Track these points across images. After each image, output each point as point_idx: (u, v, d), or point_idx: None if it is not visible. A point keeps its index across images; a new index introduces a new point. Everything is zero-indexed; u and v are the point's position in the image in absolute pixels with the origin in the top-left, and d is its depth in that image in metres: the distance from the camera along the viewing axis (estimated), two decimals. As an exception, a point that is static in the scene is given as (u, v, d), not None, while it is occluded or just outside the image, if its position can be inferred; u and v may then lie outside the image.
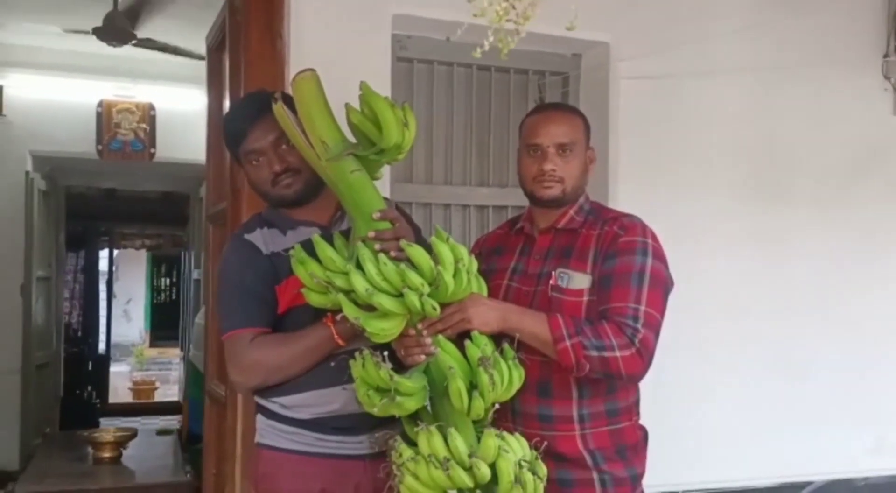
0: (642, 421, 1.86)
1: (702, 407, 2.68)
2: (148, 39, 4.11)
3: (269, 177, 1.77)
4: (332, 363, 1.70)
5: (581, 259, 1.72)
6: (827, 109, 2.87)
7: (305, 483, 1.72)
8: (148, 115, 5.27)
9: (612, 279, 1.67)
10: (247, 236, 1.81)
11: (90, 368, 7.47)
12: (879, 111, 2.92)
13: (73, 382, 6.78)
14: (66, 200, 6.12)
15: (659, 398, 2.49)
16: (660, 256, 1.72)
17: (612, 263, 1.68)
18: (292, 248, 1.68)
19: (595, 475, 1.68)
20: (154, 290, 14.00)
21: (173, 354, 11.91)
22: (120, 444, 3.76)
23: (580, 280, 1.70)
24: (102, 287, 8.38)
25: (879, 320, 2.87)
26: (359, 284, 1.54)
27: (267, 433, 1.79)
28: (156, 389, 8.89)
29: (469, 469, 1.54)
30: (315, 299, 1.64)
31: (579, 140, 1.79)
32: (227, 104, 2.73)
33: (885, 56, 2.89)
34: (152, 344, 13.03)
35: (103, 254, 8.85)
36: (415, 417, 1.63)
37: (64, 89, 5.09)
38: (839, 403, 2.82)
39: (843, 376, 2.83)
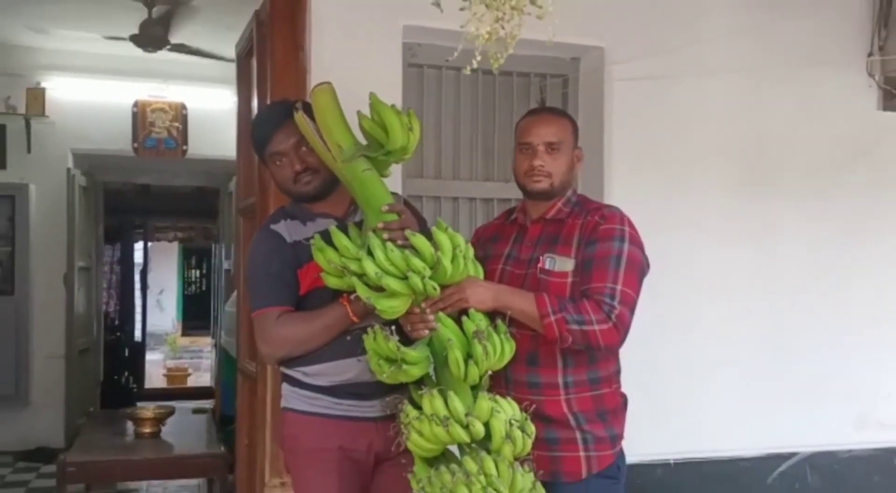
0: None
1: (695, 383, 2.88)
2: (181, 45, 4.37)
3: (291, 176, 2.02)
4: (348, 338, 1.94)
5: (566, 245, 1.94)
6: (814, 106, 3.03)
7: (325, 441, 1.97)
8: (180, 114, 5.57)
9: (593, 263, 1.89)
10: (273, 227, 2.05)
11: (126, 354, 7.83)
12: (864, 107, 3.07)
13: (111, 367, 7.11)
14: (103, 196, 6.43)
15: (655, 374, 2.75)
16: (636, 242, 1.94)
17: (593, 248, 1.90)
18: (312, 237, 1.92)
19: (578, 435, 1.91)
20: (185, 281, 14.42)
21: (204, 342, 12.36)
22: (159, 420, 4.03)
23: (565, 264, 1.92)
24: (137, 278, 8.74)
25: (863, 305, 3.03)
26: (370, 268, 1.78)
27: (291, 398, 2.04)
28: (189, 375, 9.22)
29: (466, 427, 1.77)
30: (332, 282, 1.88)
31: (566, 140, 2.01)
32: (255, 106, 2.99)
33: (870, 55, 3.06)
34: (184, 333, 13.43)
35: (137, 246, 9.21)
36: (419, 383, 1.87)
37: (102, 91, 5.41)
38: (825, 380, 2.99)
39: (828, 356, 3.00)
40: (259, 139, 2.06)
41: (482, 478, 1.73)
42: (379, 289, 1.79)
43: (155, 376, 9.21)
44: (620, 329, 1.85)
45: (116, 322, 7.76)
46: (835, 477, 3.00)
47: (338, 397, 1.98)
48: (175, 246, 12.95)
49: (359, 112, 1.90)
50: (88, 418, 4.60)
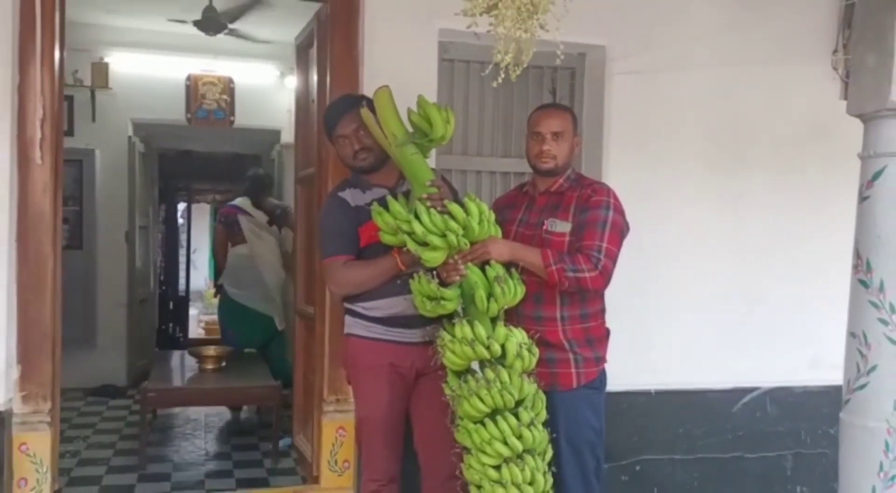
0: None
1: (672, 326, 3.44)
2: (235, 30, 4.91)
3: (351, 153, 2.61)
4: (398, 281, 2.52)
5: (565, 212, 2.52)
6: (784, 94, 3.53)
7: (379, 359, 2.59)
8: (228, 87, 6.05)
9: (585, 226, 2.46)
10: (340, 194, 2.65)
11: (171, 307, 8.51)
12: (827, 97, 3.54)
13: (159, 318, 7.81)
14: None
15: (641, 318, 3.33)
16: (619, 210, 2.50)
17: (585, 215, 2.48)
18: (370, 202, 2.52)
19: (571, 356, 2.50)
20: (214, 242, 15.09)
21: (236, 300, 12.98)
22: (220, 358, 4.69)
23: (564, 226, 2.50)
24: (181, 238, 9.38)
25: (817, 263, 3.51)
26: (418, 228, 2.37)
27: (353, 326, 2.65)
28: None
29: (487, 347, 2.36)
30: (387, 239, 2.48)
31: (568, 129, 2.57)
32: (313, 90, 3.53)
33: (835, 52, 3.55)
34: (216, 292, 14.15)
35: (180, 207, 9.84)
36: (450, 317, 2.46)
37: (158, 66, 5.90)
38: (784, 327, 3.51)
39: (788, 305, 3.52)
40: (329, 124, 2.66)
41: (498, 384, 2.33)
42: (423, 244, 2.38)
43: (192, 329, 9.92)
44: (605, 276, 2.43)
45: (162, 277, 8.41)
46: (790, 408, 3.55)
47: (389, 326, 2.59)
48: (206, 209, 13.56)
49: (409, 109, 2.47)
50: (156, 356, 5.26)
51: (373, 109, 2.47)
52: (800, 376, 3.50)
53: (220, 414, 5.30)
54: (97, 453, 4.40)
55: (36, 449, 2.90)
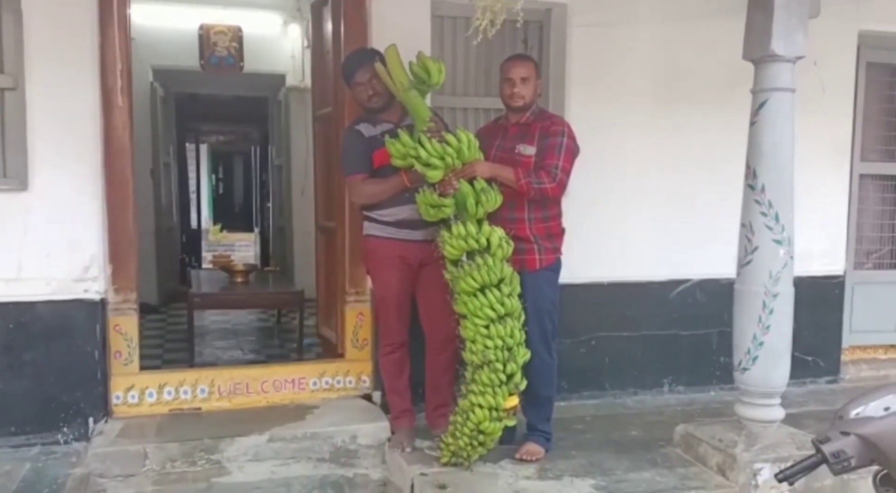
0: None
1: (622, 230, 4.26)
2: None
3: (366, 97, 3.39)
4: (407, 194, 3.32)
5: (531, 139, 3.31)
6: (716, 43, 4.22)
7: (391, 252, 3.40)
8: (237, 35, 6.69)
9: (546, 150, 3.26)
10: (356, 127, 3.44)
11: (184, 239, 9.31)
12: (750, 43, 4.35)
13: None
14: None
15: (598, 223, 4.16)
16: (572, 137, 3.30)
17: (546, 141, 3.27)
18: (381, 134, 3.30)
19: (535, 247, 3.31)
20: (214, 182, 15.79)
21: (235, 238, 14.02)
22: (247, 273, 5.53)
23: (530, 150, 3.29)
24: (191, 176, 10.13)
25: (739, 178, 4.17)
26: (422, 153, 3.16)
27: (371, 228, 3.46)
28: (231, 260, 10.75)
29: (476, 241, 3.18)
30: (398, 162, 3.27)
31: (532, 75, 3.34)
32: (327, 43, 4.27)
33: (760, 6, 4.31)
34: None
35: (190, 147, 10.55)
36: (447, 221, 3.28)
37: (174, 16, 6.52)
38: (711, 230, 4.28)
39: (715, 213, 4.27)
40: (348, 72, 3.43)
41: (485, 267, 3.16)
42: (427, 165, 3.18)
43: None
44: (561, 186, 3.25)
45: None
46: (715, 296, 4.33)
47: (398, 228, 3.41)
48: (204, 150, 14.25)
49: (410, 61, 3.24)
50: (191, 274, 6.08)
51: (383, 62, 3.24)
52: (723, 269, 3.92)
53: (246, 324, 6.18)
54: (150, 351, 5.23)
55: (126, 329, 3.74)
